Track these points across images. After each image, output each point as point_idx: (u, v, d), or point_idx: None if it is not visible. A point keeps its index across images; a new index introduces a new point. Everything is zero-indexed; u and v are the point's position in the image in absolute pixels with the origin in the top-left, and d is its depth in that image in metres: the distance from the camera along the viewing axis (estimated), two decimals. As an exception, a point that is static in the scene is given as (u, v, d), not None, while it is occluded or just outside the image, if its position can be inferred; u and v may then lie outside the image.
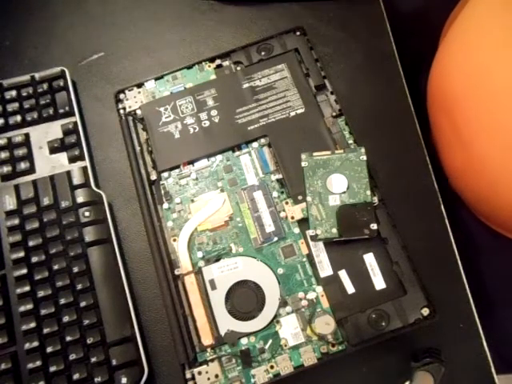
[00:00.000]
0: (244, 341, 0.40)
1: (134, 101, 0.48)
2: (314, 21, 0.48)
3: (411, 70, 0.50)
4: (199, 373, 0.39)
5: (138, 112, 0.47)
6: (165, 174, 0.45)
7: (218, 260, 0.42)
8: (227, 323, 0.40)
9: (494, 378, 0.40)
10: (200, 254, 0.42)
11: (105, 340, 0.41)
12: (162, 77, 0.48)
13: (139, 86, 0.48)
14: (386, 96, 0.49)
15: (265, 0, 0.50)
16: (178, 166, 0.45)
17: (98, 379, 0.40)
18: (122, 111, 0.48)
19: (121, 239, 0.46)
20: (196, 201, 0.44)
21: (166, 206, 0.44)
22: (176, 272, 0.42)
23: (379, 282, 0.40)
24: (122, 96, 0.48)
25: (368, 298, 0.40)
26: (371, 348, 0.39)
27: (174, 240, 0.43)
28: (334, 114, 0.46)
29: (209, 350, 0.40)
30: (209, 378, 0.39)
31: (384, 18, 0.51)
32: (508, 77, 0.38)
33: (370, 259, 0.41)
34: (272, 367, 0.39)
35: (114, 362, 0.40)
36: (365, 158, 0.43)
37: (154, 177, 0.45)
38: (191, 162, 0.45)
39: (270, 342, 0.40)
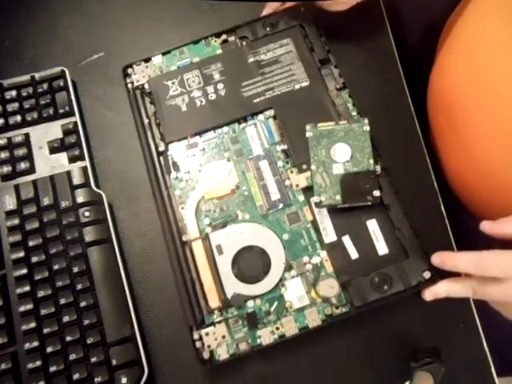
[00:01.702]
0: (250, 303, 0.41)
1: (141, 75, 0.49)
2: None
3: (411, 70, 0.51)
4: (206, 334, 0.40)
5: (146, 86, 0.48)
6: (172, 146, 0.46)
7: (224, 226, 0.43)
8: (234, 287, 0.41)
9: (494, 378, 0.41)
10: (207, 221, 0.43)
11: (105, 340, 0.41)
12: (169, 52, 0.49)
13: (147, 60, 0.49)
14: (386, 96, 0.49)
15: (265, 0, 0.50)
16: (185, 138, 0.46)
17: (97, 379, 0.40)
18: (129, 85, 0.49)
19: (121, 239, 0.46)
20: (203, 170, 0.45)
21: (173, 175, 0.45)
22: (184, 238, 0.43)
23: (382, 247, 0.41)
24: (129, 71, 0.49)
25: (371, 262, 0.41)
26: (372, 348, 0.40)
27: (182, 208, 0.44)
28: (338, 86, 0.47)
29: (216, 312, 0.41)
30: (216, 339, 0.40)
31: (384, 18, 0.52)
32: (509, 78, 0.38)
33: (372, 225, 0.42)
34: (277, 328, 0.40)
35: (114, 362, 0.40)
36: (368, 128, 0.43)
37: (162, 148, 0.46)
38: (198, 134, 0.47)
39: (276, 304, 0.41)
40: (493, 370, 0.41)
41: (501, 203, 0.43)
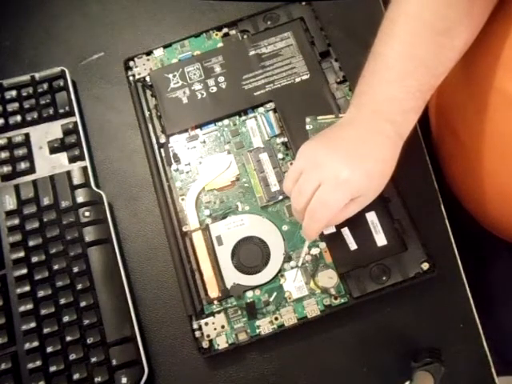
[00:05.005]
0: (249, 294, 0.41)
1: (143, 68, 0.49)
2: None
3: None
4: (206, 324, 0.40)
5: (147, 79, 0.49)
6: (173, 138, 0.47)
7: (224, 217, 0.43)
8: (233, 277, 0.41)
9: (494, 378, 0.41)
10: (207, 212, 0.44)
11: (105, 340, 0.41)
12: (170, 45, 0.50)
13: (148, 53, 0.50)
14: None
15: (265, 0, 0.51)
16: (186, 130, 0.47)
17: (97, 379, 0.40)
18: (131, 78, 0.49)
19: (121, 239, 0.46)
20: (203, 162, 0.45)
21: (174, 167, 0.45)
22: (184, 229, 0.43)
23: (381, 239, 0.41)
24: (131, 63, 0.50)
25: (370, 253, 0.41)
26: (372, 348, 0.41)
27: (183, 199, 0.44)
28: (338, 80, 0.47)
29: (215, 302, 0.41)
30: (215, 329, 0.40)
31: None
32: (508, 86, 0.37)
33: (372, 217, 0.42)
34: (276, 319, 0.40)
35: (114, 362, 0.40)
36: (368, 121, 0.44)
37: (163, 140, 0.47)
38: (199, 126, 0.47)
39: (275, 294, 0.41)
40: (493, 370, 0.41)
41: (499, 208, 0.43)
